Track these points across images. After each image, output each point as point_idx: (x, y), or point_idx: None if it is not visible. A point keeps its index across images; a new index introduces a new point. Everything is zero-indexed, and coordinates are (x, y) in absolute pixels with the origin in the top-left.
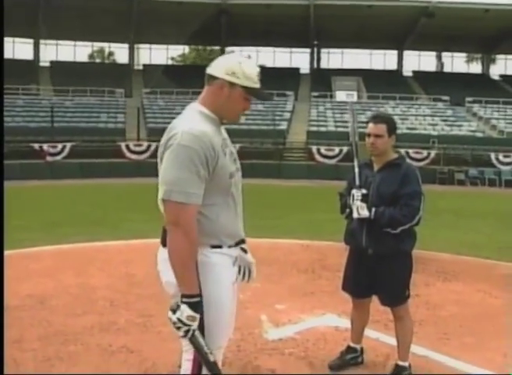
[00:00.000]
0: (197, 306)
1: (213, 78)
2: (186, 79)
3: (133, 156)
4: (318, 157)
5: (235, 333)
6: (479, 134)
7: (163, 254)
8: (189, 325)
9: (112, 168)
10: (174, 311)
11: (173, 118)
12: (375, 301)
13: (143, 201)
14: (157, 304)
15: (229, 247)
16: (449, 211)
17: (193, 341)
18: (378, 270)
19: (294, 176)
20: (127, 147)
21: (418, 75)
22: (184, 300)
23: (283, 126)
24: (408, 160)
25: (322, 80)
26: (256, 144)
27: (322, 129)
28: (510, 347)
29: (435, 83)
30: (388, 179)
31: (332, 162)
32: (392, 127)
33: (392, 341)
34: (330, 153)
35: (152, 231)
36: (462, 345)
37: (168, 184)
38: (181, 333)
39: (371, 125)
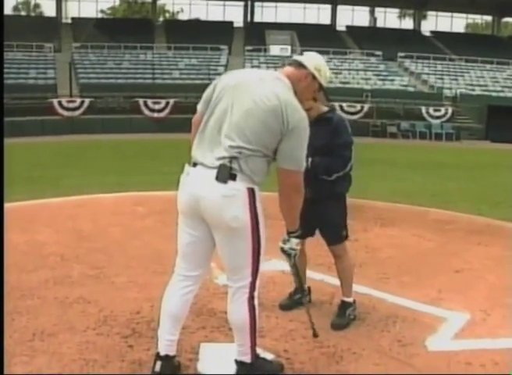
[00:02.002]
0: (299, 236)
1: (302, 66)
2: (118, 33)
3: (66, 113)
4: None
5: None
6: (411, 89)
7: (222, 189)
8: (296, 249)
9: (44, 125)
10: (285, 242)
11: (106, 73)
12: (318, 246)
13: (79, 158)
14: (107, 256)
15: None
16: (383, 162)
17: (295, 260)
18: (317, 212)
19: None
20: (60, 103)
21: (352, 30)
22: (292, 234)
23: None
24: (341, 113)
25: (256, 34)
26: (191, 99)
27: None
28: (443, 283)
29: (368, 38)
30: (320, 132)
31: None
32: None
33: (336, 282)
34: None
35: (91, 186)
36: (401, 283)
37: (297, 159)
38: (290, 257)
39: None
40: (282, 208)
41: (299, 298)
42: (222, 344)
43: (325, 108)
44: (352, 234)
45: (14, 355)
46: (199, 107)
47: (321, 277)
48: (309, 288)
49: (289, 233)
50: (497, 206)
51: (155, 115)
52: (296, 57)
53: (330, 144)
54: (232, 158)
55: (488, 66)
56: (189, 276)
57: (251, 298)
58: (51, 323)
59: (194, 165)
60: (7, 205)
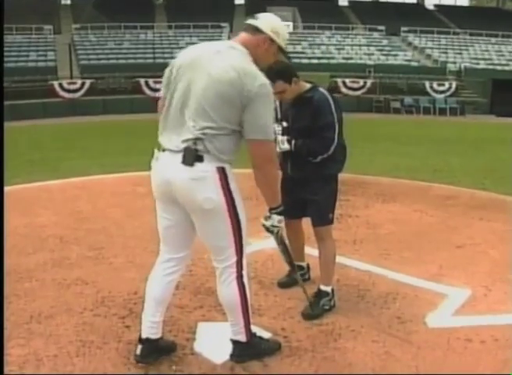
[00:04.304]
0: (281, 212)
1: (258, 31)
2: (118, 13)
3: (67, 95)
4: None
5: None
6: (414, 64)
7: (189, 172)
8: (279, 226)
9: (46, 108)
10: (266, 219)
11: (106, 54)
12: None
13: (80, 140)
14: (106, 237)
15: None
16: (386, 138)
17: (280, 237)
18: (305, 192)
19: None
20: (60, 85)
21: (354, 5)
22: (273, 211)
23: None
24: (324, 91)
25: (257, 10)
26: None
27: None
28: (444, 259)
29: (370, 13)
30: (300, 113)
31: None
32: (288, 77)
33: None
34: None
35: (92, 167)
36: (401, 259)
37: (264, 127)
38: (273, 234)
39: None
40: (258, 182)
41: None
42: (220, 324)
43: (307, 86)
44: (353, 210)
45: (11, 338)
46: (161, 91)
47: None
48: (308, 265)
49: (270, 209)
50: (501, 181)
51: (157, 94)
52: (250, 21)
53: (311, 125)
54: (196, 140)
55: (493, 40)
56: (172, 258)
57: (239, 277)
58: (49, 305)
59: (163, 150)
60: (7, 189)
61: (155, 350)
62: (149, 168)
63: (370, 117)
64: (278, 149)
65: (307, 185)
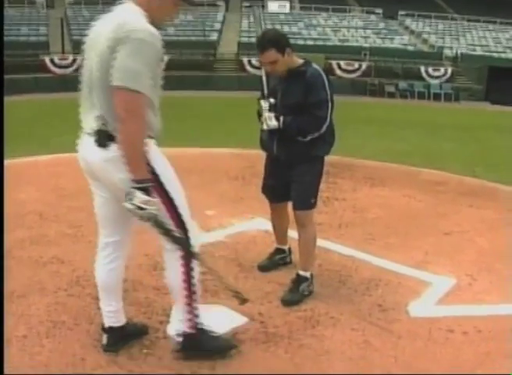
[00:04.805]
0: (149, 190)
1: None
2: None
3: (58, 70)
4: (249, 68)
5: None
6: (410, 48)
7: (103, 154)
8: (149, 210)
9: (38, 83)
10: (130, 199)
11: None
12: None
13: (71, 116)
14: (87, 215)
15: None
16: (379, 121)
17: (157, 224)
18: (290, 174)
19: (225, 88)
20: (52, 61)
21: None
22: (136, 185)
23: (214, 37)
24: (318, 67)
25: None
26: (186, 56)
27: (254, 40)
28: (431, 245)
29: None
30: (292, 88)
31: (262, 72)
32: (281, 46)
33: (319, 242)
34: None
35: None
36: (386, 245)
37: (127, 72)
38: (143, 219)
39: (260, 54)
40: (120, 142)
41: (279, 258)
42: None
43: (300, 61)
44: (340, 193)
45: None
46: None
47: None
48: (289, 249)
49: (133, 182)
50: (493, 168)
51: None
52: None
53: (303, 102)
54: (105, 120)
55: (490, 27)
56: (108, 242)
57: (185, 257)
58: (23, 284)
59: (83, 132)
60: None
61: (121, 337)
62: None
63: (364, 101)
64: (265, 127)
65: (295, 166)
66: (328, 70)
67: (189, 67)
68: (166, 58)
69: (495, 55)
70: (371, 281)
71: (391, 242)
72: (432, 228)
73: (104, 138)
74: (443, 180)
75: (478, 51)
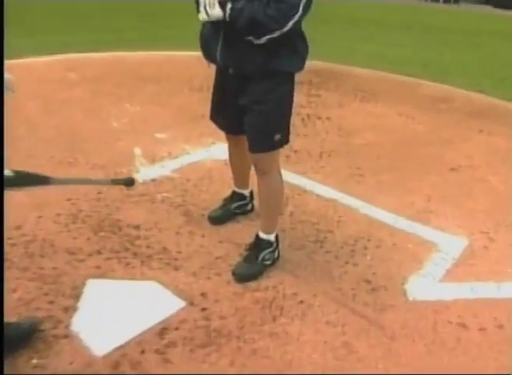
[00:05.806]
0: None
1: None
2: None
3: None
4: None
5: (97, 174)
6: None
7: None
8: None
9: None
10: None
11: None
12: None
13: (26, 17)
14: (12, 140)
15: None
16: (370, 22)
17: None
18: (244, 96)
19: None
20: None
21: None
22: None
23: None
24: None
25: None
26: None
27: None
28: (434, 186)
29: None
30: None
31: None
32: None
33: (293, 179)
34: None
35: (27, 47)
36: (378, 184)
37: None
38: None
39: None
40: None
41: (237, 206)
42: (113, 282)
43: None
44: (324, 110)
45: None
46: None
47: None
48: (251, 193)
49: None
50: (501, 83)
51: None
52: None
53: None
54: None
55: None
56: None
57: None
58: None
59: None
60: None
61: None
62: (93, 48)
63: None
64: (204, 17)
65: (249, 86)
66: None
67: None
68: None
69: None
70: (358, 241)
71: (384, 180)
72: (435, 161)
73: None
74: (447, 96)
75: None
